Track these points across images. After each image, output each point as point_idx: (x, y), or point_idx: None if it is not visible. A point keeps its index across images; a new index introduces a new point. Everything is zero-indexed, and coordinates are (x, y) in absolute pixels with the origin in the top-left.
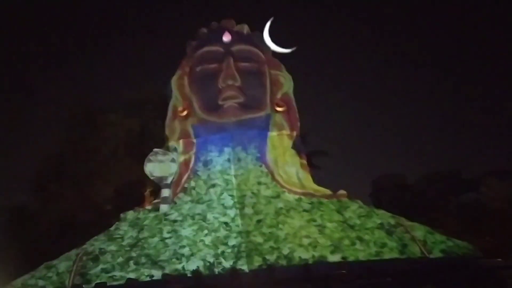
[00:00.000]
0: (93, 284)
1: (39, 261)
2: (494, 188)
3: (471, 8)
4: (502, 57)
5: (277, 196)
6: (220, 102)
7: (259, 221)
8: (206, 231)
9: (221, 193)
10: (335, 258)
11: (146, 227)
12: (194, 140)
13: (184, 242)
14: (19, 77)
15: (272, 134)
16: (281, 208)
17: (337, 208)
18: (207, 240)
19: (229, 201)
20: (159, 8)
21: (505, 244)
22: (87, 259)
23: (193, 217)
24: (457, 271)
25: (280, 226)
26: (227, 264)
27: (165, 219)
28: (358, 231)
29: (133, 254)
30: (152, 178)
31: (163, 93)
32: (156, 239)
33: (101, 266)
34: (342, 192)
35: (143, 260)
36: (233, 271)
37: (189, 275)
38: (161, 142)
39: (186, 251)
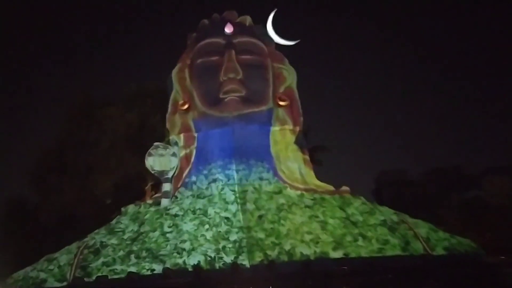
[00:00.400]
0: (94, 277)
1: (39, 254)
2: (496, 185)
3: (473, 5)
4: (504, 53)
5: (279, 192)
6: (221, 96)
7: (260, 216)
8: (207, 226)
9: (223, 188)
10: (337, 254)
11: (147, 221)
12: (195, 134)
13: (185, 236)
14: (20, 70)
15: (274, 128)
16: (283, 203)
17: (340, 205)
18: (208, 235)
19: (230, 196)
20: (160, 1)
21: (507, 242)
22: (88, 252)
23: (194, 212)
24: (459, 268)
25: (282, 221)
26: (228, 259)
27: (166, 214)
28: (361, 227)
29: (134, 248)
30: (153, 172)
31: (163, 86)
32: (157, 233)
33: (102, 259)
34: (345, 188)
35: (144, 254)
36: (234, 266)
37: (190, 269)
38: (162, 136)
39: (187, 245)
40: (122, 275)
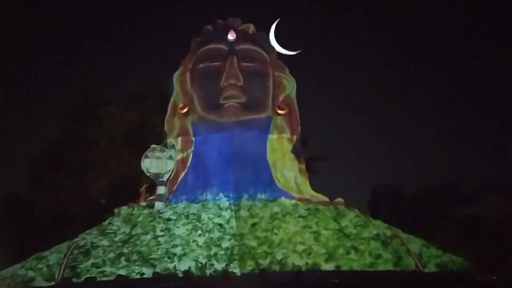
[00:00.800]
0: (82, 278)
1: (30, 251)
2: (492, 205)
3: (478, 22)
4: (503, 71)
5: (274, 200)
6: (221, 101)
7: (254, 224)
8: (200, 231)
9: (217, 194)
10: (328, 266)
11: (139, 224)
12: (193, 138)
13: (177, 241)
14: (20, 66)
15: (272, 136)
16: (277, 212)
17: (334, 216)
18: (200, 240)
19: (224, 202)
20: (166, 2)
21: (500, 261)
22: (78, 253)
23: (187, 217)
24: (450, 286)
25: (275, 230)
26: (219, 266)
27: (159, 217)
28: (354, 240)
29: (125, 251)
30: (148, 174)
31: (165, 87)
32: (149, 236)
33: (92, 260)
34: (339, 200)
35: (134, 257)
36: (225, 274)
37: (180, 275)
38: (161, 137)
39: (178, 250)
40: (111, 278)
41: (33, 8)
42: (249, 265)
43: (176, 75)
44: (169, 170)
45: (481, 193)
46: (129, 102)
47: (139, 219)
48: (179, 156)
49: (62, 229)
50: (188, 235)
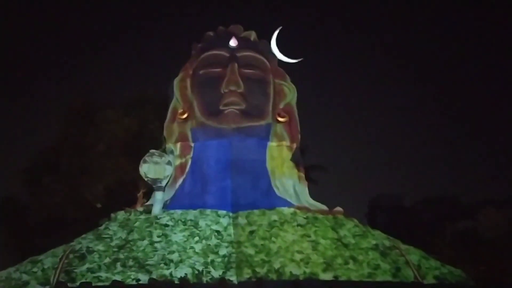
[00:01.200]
0: (78, 283)
1: (25, 254)
2: (491, 218)
3: (477, 33)
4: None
5: (272, 208)
6: (221, 107)
7: (251, 232)
8: (197, 238)
9: (216, 200)
10: (326, 276)
11: (136, 229)
12: (192, 144)
13: (174, 247)
14: (18, 70)
15: (272, 144)
16: (275, 220)
17: (332, 225)
18: (197, 247)
19: (222, 209)
20: (167, 8)
21: (498, 275)
22: (74, 257)
23: (184, 223)
24: None
25: (273, 239)
26: (216, 273)
27: (156, 223)
28: (352, 250)
29: (121, 256)
30: (146, 179)
31: (164, 93)
32: (145, 242)
33: (87, 265)
34: (338, 209)
35: (130, 262)
36: (222, 282)
37: (176, 282)
38: (159, 143)
39: (175, 257)
40: (107, 283)
41: (32, 12)
42: (246, 273)
43: (176, 80)
44: (167, 176)
45: (479, 206)
46: (128, 108)
47: (136, 224)
48: (178, 162)
49: (57, 233)
50: (185, 241)
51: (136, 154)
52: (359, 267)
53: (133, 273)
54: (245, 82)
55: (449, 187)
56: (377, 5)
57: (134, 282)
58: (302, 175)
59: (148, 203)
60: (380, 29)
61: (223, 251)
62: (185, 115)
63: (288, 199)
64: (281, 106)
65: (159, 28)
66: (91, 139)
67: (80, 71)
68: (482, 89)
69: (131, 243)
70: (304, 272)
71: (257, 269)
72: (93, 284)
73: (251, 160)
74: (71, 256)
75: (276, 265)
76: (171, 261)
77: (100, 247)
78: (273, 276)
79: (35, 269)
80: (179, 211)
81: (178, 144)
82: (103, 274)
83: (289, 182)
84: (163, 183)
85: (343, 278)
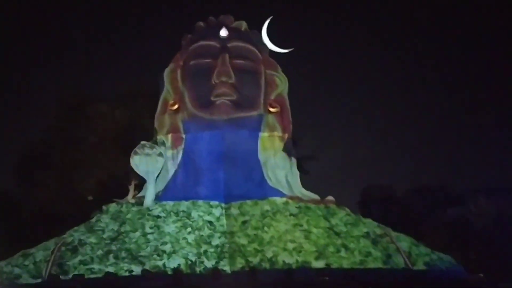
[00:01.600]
0: (70, 275)
1: (16, 248)
2: (481, 206)
3: (473, 17)
4: (498, 73)
5: (264, 198)
6: (212, 99)
7: (244, 222)
8: (189, 229)
9: (208, 191)
10: (319, 264)
11: (128, 221)
12: (184, 135)
13: (167, 238)
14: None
15: (264, 135)
16: (267, 210)
17: (324, 214)
18: (190, 238)
19: (215, 200)
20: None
21: (488, 261)
22: (66, 250)
23: (177, 214)
24: (439, 284)
25: (266, 228)
26: (209, 263)
27: (148, 214)
28: (344, 238)
29: (113, 248)
30: (137, 171)
31: (156, 86)
32: (137, 233)
33: (79, 257)
34: (330, 198)
35: (123, 254)
36: (215, 272)
37: (169, 272)
38: (150, 136)
39: (168, 248)
40: (99, 275)
41: (23, 6)
42: (239, 263)
43: (167, 71)
44: (159, 167)
45: (469, 195)
46: (118, 101)
47: (128, 216)
48: (169, 153)
49: (48, 226)
50: (177, 232)
51: (128, 147)
52: (351, 254)
53: (126, 264)
54: (236, 73)
55: (439, 176)
56: None
57: (127, 274)
58: (294, 165)
59: (139, 194)
60: (372, 18)
61: (216, 242)
62: (176, 106)
63: (281, 189)
64: (273, 96)
65: (149, 19)
66: (82, 132)
67: (71, 64)
68: (472, 78)
69: (123, 235)
70: (297, 261)
71: (250, 259)
72: (86, 276)
73: (243, 151)
74: (63, 248)
75: (269, 254)
76: (164, 252)
77: (92, 240)
78: (266, 265)
79: (26, 262)
80: (171, 203)
81: (169, 136)
82: (95, 266)
83: (281, 173)
84: (155, 175)
85: (335, 266)
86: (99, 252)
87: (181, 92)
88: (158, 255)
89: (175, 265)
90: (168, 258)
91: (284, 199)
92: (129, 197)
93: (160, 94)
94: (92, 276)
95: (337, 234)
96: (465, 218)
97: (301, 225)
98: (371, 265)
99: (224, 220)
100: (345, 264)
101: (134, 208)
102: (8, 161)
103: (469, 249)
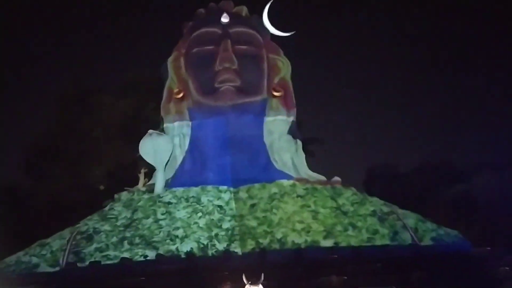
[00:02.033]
0: (87, 263)
1: (32, 239)
2: (486, 181)
3: (472, 9)
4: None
5: (272, 181)
6: (216, 85)
7: (253, 205)
8: (200, 214)
9: (216, 177)
10: (327, 243)
11: (140, 208)
12: (190, 123)
13: (178, 224)
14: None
15: (268, 119)
16: (275, 193)
17: (331, 195)
18: (201, 222)
19: (223, 185)
20: None
21: (494, 235)
22: (81, 238)
23: (187, 200)
24: (446, 258)
25: (274, 210)
26: (220, 246)
27: (159, 201)
28: (351, 217)
29: (127, 234)
30: (146, 159)
31: (159, 74)
32: (150, 220)
33: (95, 245)
34: (336, 179)
35: (137, 240)
36: (227, 254)
37: (183, 256)
38: (156, 125)
39: (180, 232)
40: (115, 261)
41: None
42: (250, 245)
43: (170, 60)
44: (167, 155)
45: (474, 170)
46: (123, 90)
47: (140, 203)
48: (177, 141)
49: (62, 217)
50: (188, 217)
51: (134, 136)
52: (359, 233)
53: (140, 250)
54: (239, 59)
55: (443, 152)
56: None
57: (142, 259)
58: (300, 147)
59: (150, 182)
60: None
61: (226, 225)
62: (181, 95)
63: (287, 172)
64: (276, 80)
65: (149, 8)
66: (88, 123)
67: (73, 56)
68: (475, 55)
69: (136, 221)
70: (306, 241)
71: (260, 240)
72: (102, 263)
73: (248, 135)
74: (78, 237)
75: (278, 235)
76: (177, 236)
77: (107, 227)
78: (276, 246)
79: (44, 252)
80: (181, 189)
81: (176, 123)
82: (111, 253)
83: (287, 155)
84: (164, 163)
85: (343, 244)
86: (114, 239)
87: (185, 80)
88: (171, 239)
89: (188, 249)
90: (181, 243)
91: (291, 181)
92: (140, 185)
93: (164, 82)
94: (109, 262)
95: (344, 213)
96: (470, 193)
97: (309, 206)
98: (379, 242)
99: (233, 204)
100: (353, 242)
101: (145, 196)
102: (18, 154)
103: (475, 224)
